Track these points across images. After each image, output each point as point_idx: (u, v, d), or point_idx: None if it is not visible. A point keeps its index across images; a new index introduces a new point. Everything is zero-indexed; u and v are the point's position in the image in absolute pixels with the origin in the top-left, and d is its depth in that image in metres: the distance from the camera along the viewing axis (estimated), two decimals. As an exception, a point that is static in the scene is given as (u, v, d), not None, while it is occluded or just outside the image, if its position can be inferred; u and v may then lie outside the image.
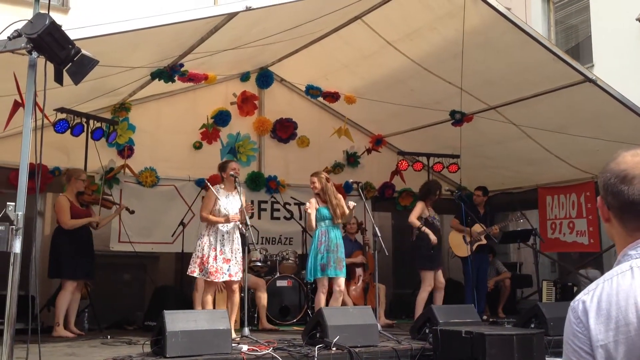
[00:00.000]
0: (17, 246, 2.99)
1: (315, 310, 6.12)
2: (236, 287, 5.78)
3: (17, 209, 3.03)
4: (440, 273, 6.82)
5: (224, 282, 5.75)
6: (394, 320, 7.21)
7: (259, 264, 7.31)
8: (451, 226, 7.79)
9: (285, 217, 8.46)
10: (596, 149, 7.33)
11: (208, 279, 5.62)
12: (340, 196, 6.35)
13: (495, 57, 6.37)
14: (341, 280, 6.10)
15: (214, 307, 5.80)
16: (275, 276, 7.28)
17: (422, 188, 7.25)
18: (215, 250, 5.66)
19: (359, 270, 7.43)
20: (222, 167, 6.03)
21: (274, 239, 8.39)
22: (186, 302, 6.51)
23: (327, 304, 5.99)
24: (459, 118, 7.69)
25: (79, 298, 6.25)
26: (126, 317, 7.08)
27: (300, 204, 8.38)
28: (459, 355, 4.57)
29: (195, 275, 5.74)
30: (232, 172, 5.92)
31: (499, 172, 8.83)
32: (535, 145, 7.78)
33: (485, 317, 7.35)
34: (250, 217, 6.01)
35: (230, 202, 5.85)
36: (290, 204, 8.48)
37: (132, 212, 6.98)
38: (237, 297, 5.82)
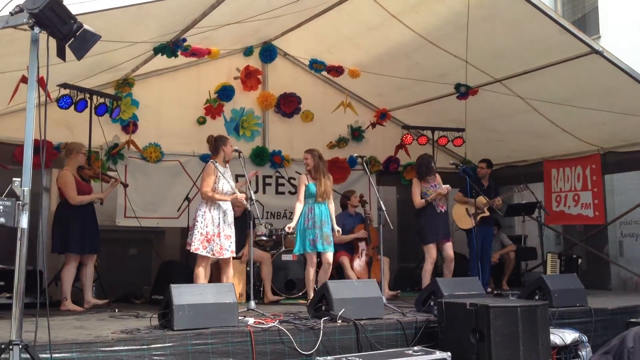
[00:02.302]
0: (24, 221, 3.01)
1: (306, 282, 6.30)
2: (231, 261, 5.90)
3: (23, 185, 3.04)
4: (447, 246, 6.82)
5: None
6: (399, 293, 7.26)
7: (264, 238, 7.35)
8: (455, 199, 7.80)
9: (290, 192, 8.49)
10: (603, 121, 7.30)
11: (213, 256, 5.67)
12: (330, 177, 6.45)
13: (501, 29, 6.30)
14: (329, 255, 6.23)
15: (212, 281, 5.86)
16: (281, 250, 7.33)
17: (414, 167, 7.31)
18: (219, 227, 5.70)
19: (361, 244, 7.47)
20: (223, 141, 5.98)
21: (278, 214, 8.43)
22: (192, 276, 6.56)
23: (315, 278, 6.19)
24: (464, 91, 7.65)
25: (92, 272, 6.31)
26: (133, 291, 7.15)
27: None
28: (464, 327, 4.61)
29: (199, 252, 5.67)
30: (236, 148, 5.95)
31: (504, 145, 8.80)
32: (541, 118, 7.74)
33: (489, 290, 7.40)
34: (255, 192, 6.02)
35: (227, 179, 5.89)
36: (294, 179, 8.48)
37: (126, 187, 7.05)
38: (231, 271, 5.92)
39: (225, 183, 5.81)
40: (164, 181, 7.71)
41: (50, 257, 6.22)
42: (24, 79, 4.43)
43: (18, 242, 3.06)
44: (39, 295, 3.55)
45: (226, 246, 5.73)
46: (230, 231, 5.79)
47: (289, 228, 6.31)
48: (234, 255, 5.86)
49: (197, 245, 5.67)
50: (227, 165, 6.04)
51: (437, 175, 7.01)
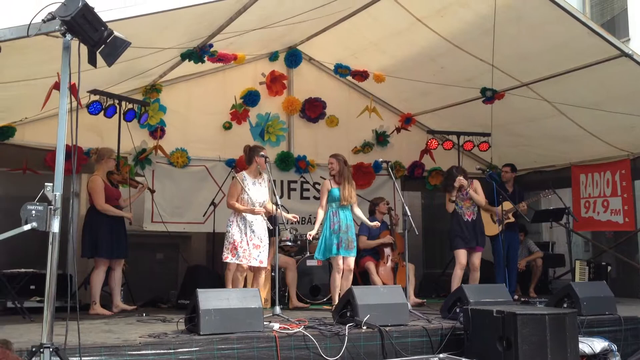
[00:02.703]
0: (55, 226, 3.06)
1: (331, 288, 6.30)
2: (263, 270, 5.99)
3: (54, 190, 3.09)
4: (475, 255, 6.76)
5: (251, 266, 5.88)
6: (424, 299, 7.20)
7: (289, 244, 7.36)
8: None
9: (314, 197, 8.48)
10: (632, 125, 7.16)
11: (241, 262, 5.73)
12: (353, 183, 6.51)
13: (528, 32, 6.23)
14: (351, 260, 6.28)
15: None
16: (305, 255, 7.33)
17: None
18: (246, 235, 5.80)
19: (387, 250, 7.43)
20: (256, 152, 6.05)
21: (303, 219, 8.41)
22: (218, 281, 6.61)
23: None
24: (490, 95, 7.58)
25: (120, 276, 6.38)
26: (160, 296, 7.22)
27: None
28: (490, 335, 4.56)
29: (228, 260, 5.87)
30: (262, 153, 5.98)
31: (531, 150, 8.70)
32: (568, 122, 7.63)
33: (516, 297, 7.30)
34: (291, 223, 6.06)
35: (257, 190, 5.93)
36: (319, 184, 8.45)
37: (153, 192, 7.14)
38: (262, 278, 6.02)
39: (254, 194, 5.88)
40: (191, 186, 7.78)
41: (80, 262, 6.31)
42: (56, 86, 4.51)
43: (49, 246, 3.10)
44: (69, 299, 3.59)
45: (254, 255, 5.81)
46: (259, 241, 5.86)
47: (310, 235, 6.34)
48: (262, 265, 5.89)
49: (226, 254, 5.87)
50: (262, 174, 6.08)
51: (475, 182, 6.94)
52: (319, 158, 8.51)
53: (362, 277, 7.22)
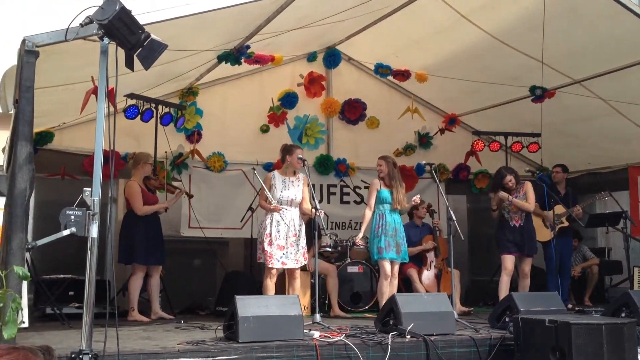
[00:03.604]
0: (94, 231, 3.14)
1: (378, 295, 6.26)
2: (297, 273, 5.93)
3: (93, 195, 3.17)
4: (525, 262, 6.63)
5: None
6: (471, 307, 7.10)
7: (329, 250, 7.37)
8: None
9: (355, 201, 8.49)
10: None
11: (268, 265, 5.79)
12: (404, 185, 6.48)
13: (580, 26, 6.10)
14: (397, 266, 6.25)
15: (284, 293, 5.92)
16: (346, 262, 7.32)
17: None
18: (270, 236, 5.80)
19: (430, 256, 7.37)
20: (288, 150, 6.08)
21: (343, 224, 8.43)
22: (257, 288, 6.66)
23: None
24: (539, 94, 7.45)
25: (158, 282, 6.48)
26: (198, 302, 7.31)
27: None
28: (542, 346, 4.46)
29: (261, 261, 5.92)
30: (299, 154, 5.99)
31: (584, 151, 8.50)
32: (625, 121, 7.43)
33: (570, 306, 7.14)
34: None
35: (287, 188, 5.93)
36: (360, 188, 8.48)
37: (190, 197, 7.26)
38: (297, 283, 5.97)
39: (280, 192, 5.90)
40: (228, 191, 7.87)
41: (118, 268, 6.44)
42: (94, 90, 4.63)
43: (88, 252, 3.18)
44: (108, 305, 3.66)
45: (277, 256, 5.78)
46: (284, 242, 5.84)
47: (357, 239, 6.34)
48: (286, 267, 5.87)
49: (259, 254, 5.96)
50: (297, 174, 6.09)
51: (526, 184, 6.77)
52: (359, 161, 8.50)
53: (404, 284, 7.17)
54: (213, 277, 8.26)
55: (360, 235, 6.32)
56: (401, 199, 6.32)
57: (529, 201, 6.68)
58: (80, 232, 3.12)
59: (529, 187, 6.75)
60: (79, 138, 6.89)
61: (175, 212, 7.32)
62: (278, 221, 5.86)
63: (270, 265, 5.77)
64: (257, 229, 7.20)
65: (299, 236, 5.92)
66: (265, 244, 5.79)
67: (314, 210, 5.83)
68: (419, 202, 6.63)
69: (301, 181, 6.07)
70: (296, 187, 6.01)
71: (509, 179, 6.63)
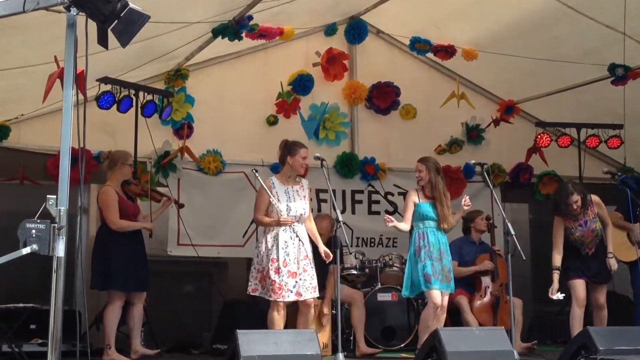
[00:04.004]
0: (60, 249, 3.14)
1: (419, 328, 6.26)
2: (311, 301, 5.89)
3: (59, 204, 3.17)
4: (599, 290, 6.57)
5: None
6: (535, 345, 7.06)
7: (354, 272, 7.36)
8: (612, 222, 7.50)
9: (387, 211, 8.43)
10: None
11: (270, 298, 5.69)
12: (449, 196, 6.40)
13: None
14: (446, 297, 6.21)
15: (288, 327, 5.88)
16: (376, 288, 7.30)
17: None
18: (277, 261, 5.69)
19: (485, 280, 7.31)
20: (289, 149, 5.95)
21: (372, 240, 8.41)
22: (262, 320, 6.65)
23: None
24: (621, 74, 7.39)
25: (141, 312, 6.49)
26: (190, 338, 7.34)
27: (406, 194, 8.37)
28: (627, 394, 4.42)
29: (257, 294, 5.82)
30: (302, 153, 5.92)
31: (680, 147, 8.44)
32: None
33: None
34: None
35: (292, 199, 5.88)
36: (393, 194, 8.46)
37: (180, 207, 7.24)
38: (311, 314, 5.93)
39: (289, 204, 5.82)
40: (227, 199, 7.90)
41: (91, 295, 6.48)
42: (60, 74, 4.67)
43: (53, 275, 3.18)
44: (78, 341, 3.69)
45: (289, 286, 5.69)
46: (298, 267, 5.80)
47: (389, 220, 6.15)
48: (301, 298, 5.80)
49: (253, 285, 5.83)
50: (301, 180, 6.05)
51: (594, 200, 6.61)
52: (391, 161, 8.50)
53: (450, 315, 7.13)
54: (208, 306, 8.28)
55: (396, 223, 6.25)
56: (447, 214, 6.22)
57: (604, 222, 6.60)
58: (44, 251, 3.14)
59: (598, 203, 6.60)
60: (41, 133, 6.95)
61: (162, 226, 7.36)
62: (286, 241, 5.75)
63: (281, 299, 5.67)
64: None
65: (310, 258, 5.90)
66: (272, 272, 5.64)
67: (335, 223, 5.83)
68: (469, 204, 6.42)
69: (306, 190, 6.01)
70: (302, 198, 5.93)
71: (575, 200, 6.42)
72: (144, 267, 6.46)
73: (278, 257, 5.70)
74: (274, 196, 5.80)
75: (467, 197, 6.48)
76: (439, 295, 6.09)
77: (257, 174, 6.15)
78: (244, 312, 7.16)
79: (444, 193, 6.31)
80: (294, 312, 6.05)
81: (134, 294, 6.39)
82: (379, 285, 7.33)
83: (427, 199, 6.30)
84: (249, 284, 5.88)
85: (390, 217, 6.22)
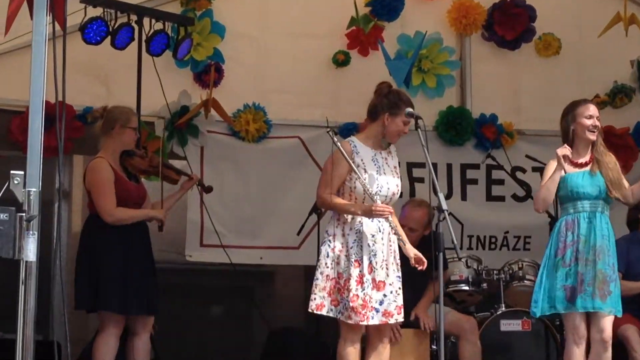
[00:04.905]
0: (30, 250, 3.18)
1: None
2: (389, 330, 5.94)
3: (27, 183, 3.22)
4: None
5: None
6: None
7: (465, 289, 7.35)
8: None
9: (515, 196, 8.42)
10: None
11: (349, 321, 5.72)
12: (612, 157, 6.29)
13: None
14: (606, 322, 6.03)
15: None
16: (498, 311, 7.27)
17: None
18: (360, 264, 5.70)
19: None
20: (392, 103, 5.89)
21: (493, 240, 8.38)
22: (324, 356, 6.71)
23: None
24: None
25: (148, 345, 6.55)
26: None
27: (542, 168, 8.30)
28: None
29: (324, 312, 5.77)
30: (409, 110, 5.90)
31: None
32: None
33: None
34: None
35: (383, 171, 5.85)
36: (524, 170, 8.40)
37: (208, 191, 7.20)
38: (387, 351, 5.90)
39: (375, 180, 5.79)
40: (273, 177, 8.00)
41: (75, 319, 6.59)
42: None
43: (20, 289, 3.25)
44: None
45: (375, 301, 5.67)
46: (385, 274, 5.80)
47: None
48: (392, 319, 5.81)
49: (319, 300, 5.78)
50: (392, 148, 6.02)
51: None
52: (522, 120, 8.50)
53: (614, 349, 7.07)
54: (247, 336, 8.36)
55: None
56: (618, 178, 6.12)
57: None
58: (6, 252, 3.18)
59: None
60: (2, 82, 7.07)
61: (177, 218, 7.44)
62: (373, 235, 5.77)
63: (364, 321, 5.66)
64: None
65: (398, 263, 5.89)
66: (352, 282, 5.64)
67: (436, 214, 5.79)
68: None
69: (396, 159, 6.01)
70: (392, 169, 5.93)
71: None
72: (151, 279, 6.54)
73: (362, 259, 5.70)
74: (358, 167, 5.74)
75: None
76: (577, 320, 6.01)
77: (334, 137, 5.87)
78: (298, 345, 7.22)
79: (606, 155, 6.22)
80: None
81: (136, 318, 6.43)
82: (503, 308, 7.30)
83: (578, 167, 6.18)
84: (312, 297, 5.78)
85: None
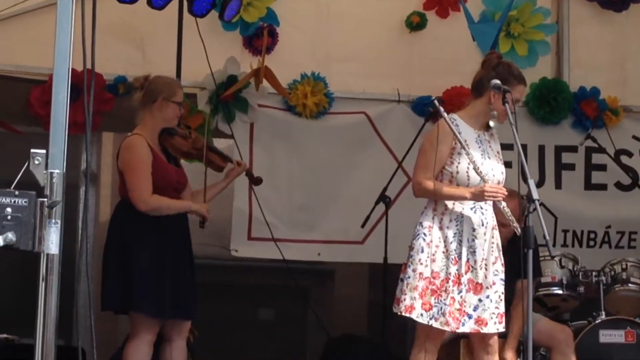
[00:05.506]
0: (52, 240, 3.21)
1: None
2: (495, 339, 5.92)
3: (50, 164, 3.25)
4: None
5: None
6: None
7: (558, 292, 7.32)
8: None
9: (619, 184, 8.36)
10: None
11: (445, 327, 5.72)
12: None
13: None
14: None
15: None
16: (597, 320, 7.24)
17: None
18: (458, 261, 5.76)
19: None
20: (505, 74, 5.93)
21: (592, 236, 8.34)
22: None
23: None
24: None
25: (184, 352, 6.61)
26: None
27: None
28: None
29: (414, 316, 5.77)
30: (495, 82, 5.85)
31: None
32: None
33: None
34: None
35: (487, 155, 5.84)
36: (630, 154, 8.34)
37: (257, 183, 7.15)
38: None
39: (481, 164, 5.76)
40: (334, 160, 8.03)
41: (103, 322, 6.66)
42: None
43: (40, 286, 3.29)
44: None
45: (471, 305, 5.71)
46: (484, 275, 5.76)
47: None
48: (485, 330, 5.80)
49: (409, 301, 5.78)
50: (494, 130, 5.98)
51: None
52: (629, 93, 8.45)
53: None
54: (301, 344, 8.41)
55: None
56: None
57: None
58: (25, 244, 3.21)
59: None
60: (20, 47, 7.16)
61: (222, 207, 7.48)
62: (475, 229, 5.81)
63: (458, 329, 5.74)
64: (400, 245, 7.20)
65: (502, 263, 5.88)
66: (450, 283, 5.69)
67: (526, 205, 5.76)
68: None
69: (497, 142, 6.01)
70: (496, 154, 5.95)
71: None
72: (190, 278, 6.59)
73: (460, 256, 5.73)
74: (459, 145, 5.70)
75: None
76: None
77: (441, 107, 5.84)
78: (360, 355, 7.24)
79: None
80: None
81: (172, 322, 6.51)
82: (603, 317, 7.27)
83: None
84: (401, 297, 5.79)
85: None
